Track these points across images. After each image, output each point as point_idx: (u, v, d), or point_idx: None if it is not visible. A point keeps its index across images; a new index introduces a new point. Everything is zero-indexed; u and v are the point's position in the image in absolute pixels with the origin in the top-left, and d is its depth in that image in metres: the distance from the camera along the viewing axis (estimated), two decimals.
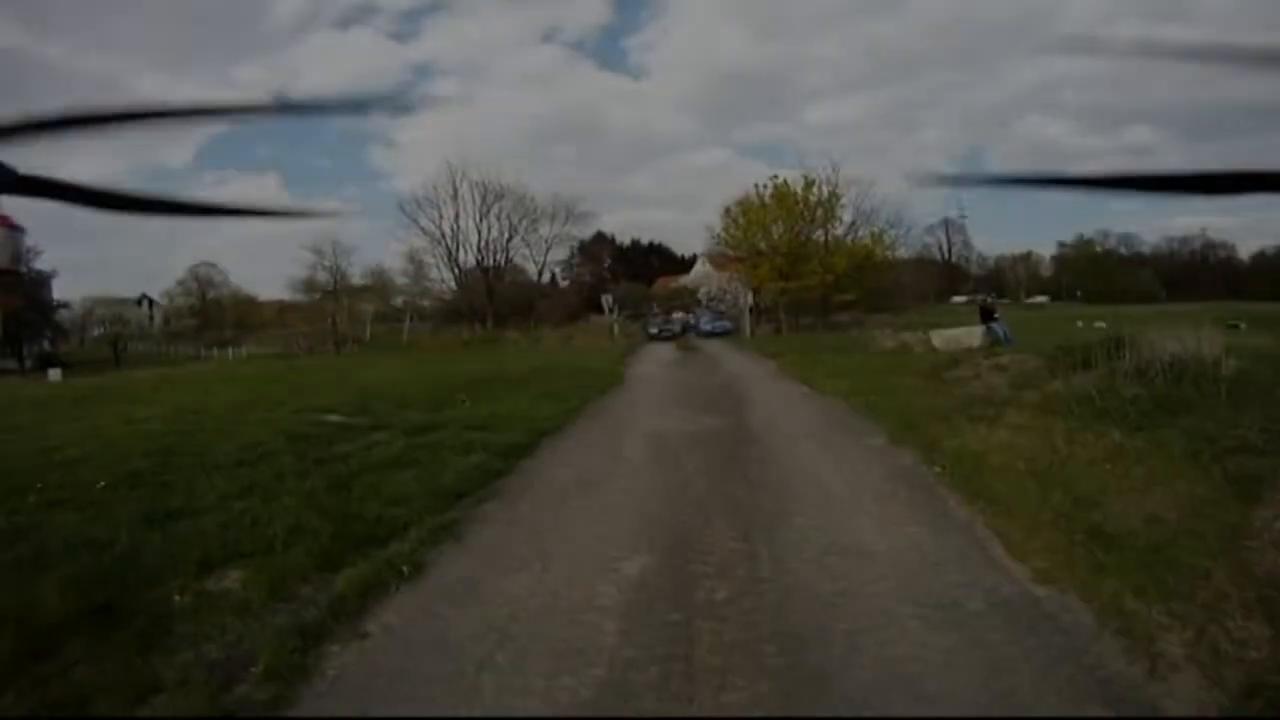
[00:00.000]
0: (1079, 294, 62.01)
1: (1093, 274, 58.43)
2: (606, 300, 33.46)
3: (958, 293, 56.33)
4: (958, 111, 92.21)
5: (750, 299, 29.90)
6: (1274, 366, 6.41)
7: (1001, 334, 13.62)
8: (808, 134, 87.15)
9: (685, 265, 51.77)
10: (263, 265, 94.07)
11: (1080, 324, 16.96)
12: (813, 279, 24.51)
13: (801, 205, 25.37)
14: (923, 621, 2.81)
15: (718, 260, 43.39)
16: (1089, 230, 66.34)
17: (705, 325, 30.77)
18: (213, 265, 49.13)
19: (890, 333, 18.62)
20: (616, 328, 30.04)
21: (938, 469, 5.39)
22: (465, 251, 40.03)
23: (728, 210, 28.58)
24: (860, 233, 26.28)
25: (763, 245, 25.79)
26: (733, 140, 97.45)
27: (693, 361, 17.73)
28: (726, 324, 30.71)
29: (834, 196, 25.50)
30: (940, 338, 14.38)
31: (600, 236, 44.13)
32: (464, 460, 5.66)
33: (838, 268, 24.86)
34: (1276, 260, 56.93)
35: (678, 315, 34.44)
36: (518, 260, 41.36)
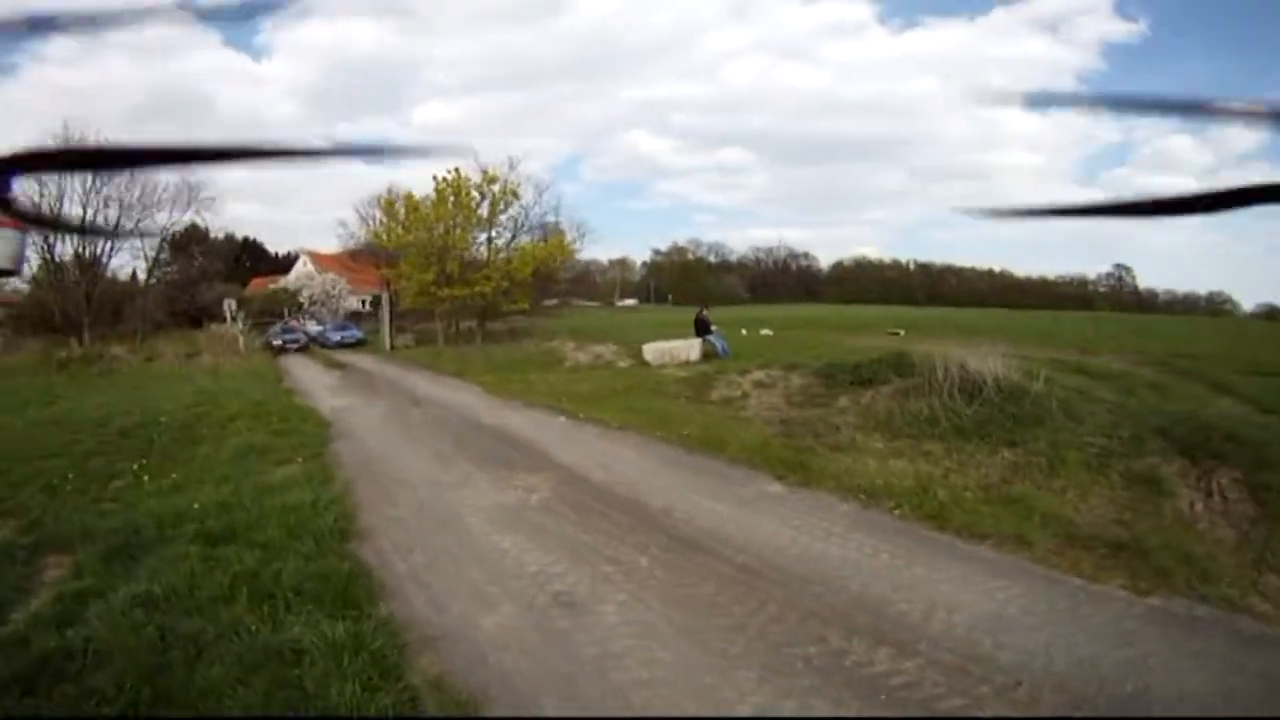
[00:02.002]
0: (669, 297, 74.14)
1: (683, 278, 71.03)
2: (229, 306, 32.69)
3: (548, 297, 64.22)
4: (564, 121, 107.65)
5: (388, 305, 29.78)
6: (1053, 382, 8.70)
7: (720, 347, 15.07)
8: (412, 132, 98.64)
9: (281, 265, 54.67)
10: None
11: (745, 332, 20.09)
12: (487, 285, 23.65)
13: (477, 203, 24.34)
14: (1207, 675, 3.62)
15: (323, 260, 46.29)
16: (681, 238, 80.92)
17: (334, 335, 31.38)
18: None
19: (575, 345, 19.13)
20: (242, 340, 28.89)
21: (895, 512, 6.03)
22: (63, 241, 33.94)
23: (390, 205, 26.03)
24: (525, 236, 26.62)
25: (428, 245, 23.99)
26: (335, 134, 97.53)
27: (374, 387, 16.85)
28: (356, 333, 31.93)
29: (509, 194, 25.10)
30: (653, 351, 16.00)
31: (194, 230, 41.79)
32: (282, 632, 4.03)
33: (521, 273, 24.45)
34: (851, 270, 79.00)
35: (303, 324, 35.30)
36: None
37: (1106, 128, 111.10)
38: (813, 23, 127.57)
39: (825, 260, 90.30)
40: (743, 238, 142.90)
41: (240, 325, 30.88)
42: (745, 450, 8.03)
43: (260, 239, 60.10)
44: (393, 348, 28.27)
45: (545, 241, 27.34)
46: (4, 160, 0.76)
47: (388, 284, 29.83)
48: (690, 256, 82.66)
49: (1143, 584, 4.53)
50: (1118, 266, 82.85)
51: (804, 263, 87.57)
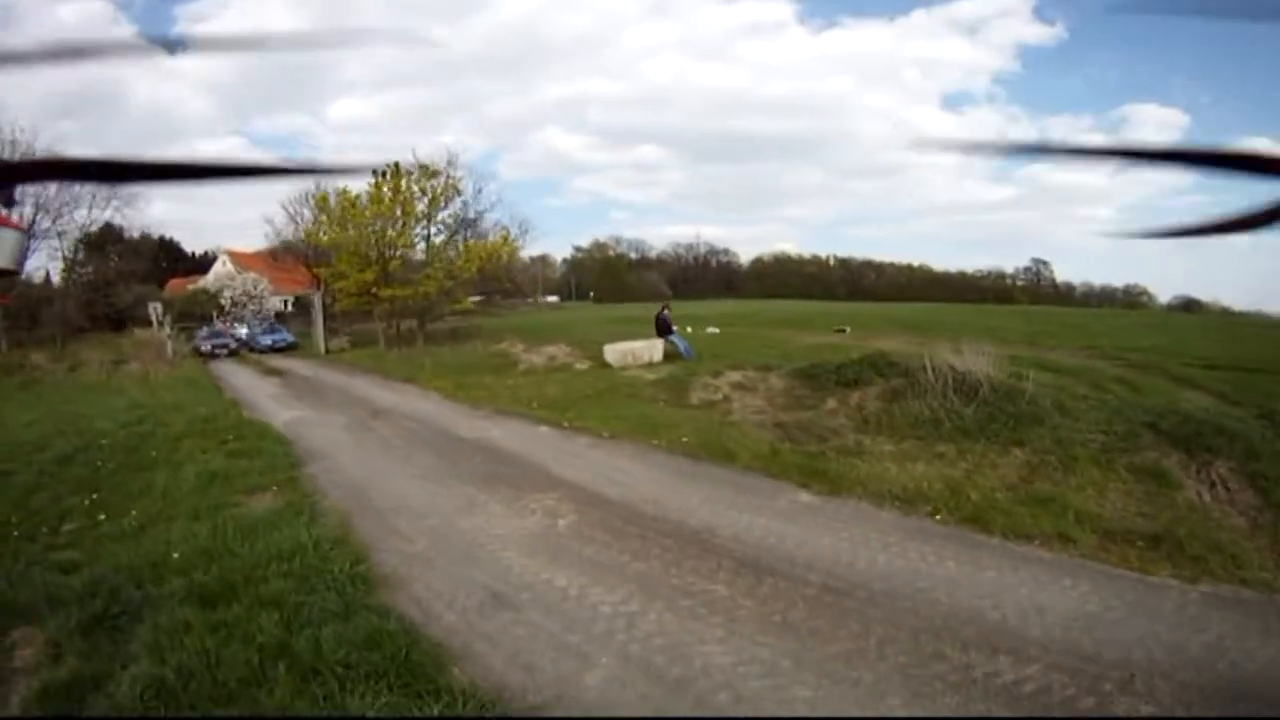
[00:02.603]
0: (592, 294, 73.80)
1: (605, 275, 70.81)
2: (155, 309, 31.03)
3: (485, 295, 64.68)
4: (481, 118, 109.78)
5: (320, 306, 29.43)
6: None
7: (683, 348, 14.96)
8: (327, 129, 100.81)
9: (199, 265, 54.03)
10: None
11: (690, 329, 20.22)
12: (430, 284, 22.76)
13: (417, 198, 23.42)
14: None
15: (244, 259, 45.94)
16: (599, 235, 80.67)
17: (264, 339, 30.50)
18: None
19: (524, 346, 18.85)
20: (170, 345, 27.19)
21: (935, 518, 6.25)
22: None
23: (324, 201, 24.69)
24: (465, 233, 26.39)
25: (367, 243, 22.97)
26: (249, 129, 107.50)
27: (322, 395, 16.21)
28: (287, 336, 31.11)
29: (451, 189, 24.27)
30: (615, 353, 16.02)
31: (109, 229, 40.17)
32: None
33: (467, 272, 23.70)
34: (771, 265, 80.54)
35: (232, 328, 34.31)
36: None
37: (1023, 127, 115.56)
38: (732, 22, 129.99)
39: (744, 256, 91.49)
40: (660, 234, 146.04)
41: (168, 330, 29.19)
42: (758, 459, 8.11)
43: (176, 238, 57.72)
44: (327, 351, 27.39)
45: (471, 239, 26.67)
46: (7, 168, 0.79)
47: (320, 284, 29.10)
48: (611, 253, 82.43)
49: (1186, 573, 5.01)
50: (1035, 260, 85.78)
51: (724, 258, 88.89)
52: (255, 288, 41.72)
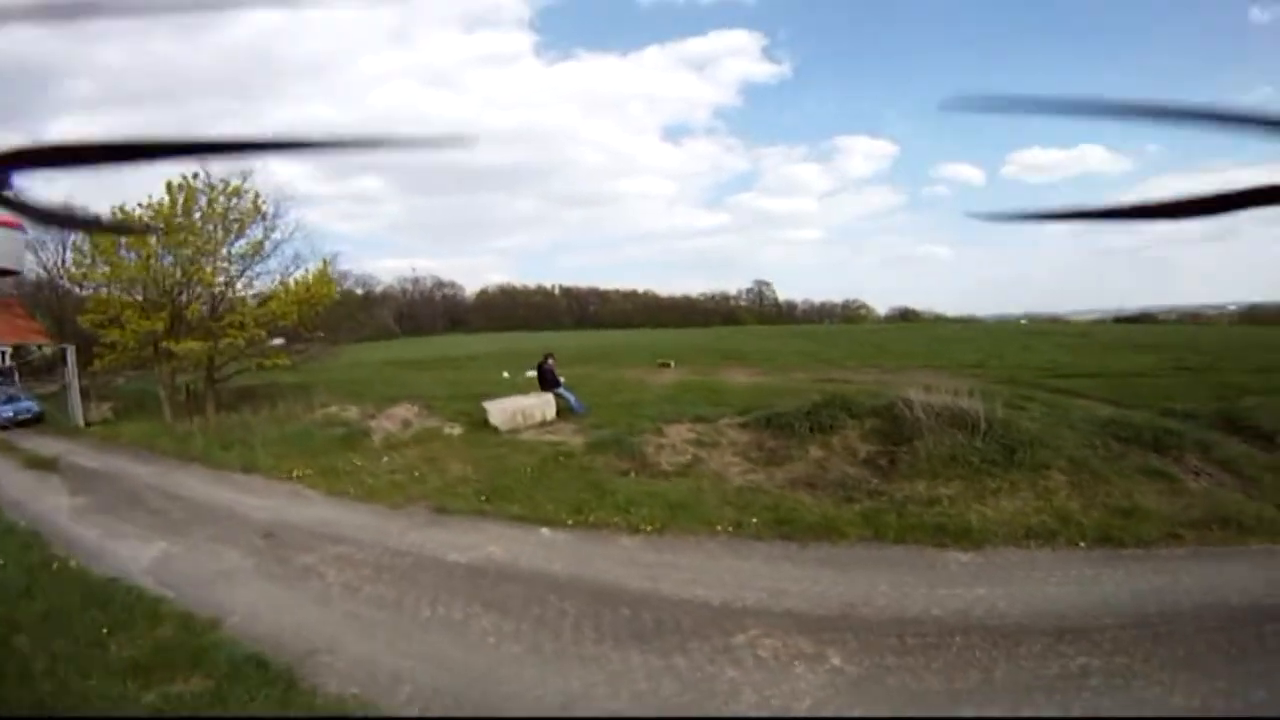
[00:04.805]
0: (319, 334, 67.54)
1: (332, 311, 64.62)
2: None
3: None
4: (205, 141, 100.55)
5: (74, 364, 22.65)
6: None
7: (574, 403, 14.14)
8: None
9: None
10: None
11: (506, 374, 19.51)
12: (239, 334, 19.37)
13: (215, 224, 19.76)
14: None
15: None
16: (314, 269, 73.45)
17: (3, 410, 23.17)
18: None
19: (361, 410, 15.65)
20: None
21: (1079, 546, 7.37)
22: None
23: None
24: (260, 268, 21.77)
25: (158, 281, 19.33)
26: None
27: (148, 505, 11.34)
28: (32, 405, 23.89)
29: (255, 210, 20.19)
30: (501, 412, 13.67)
31: None
32: None
33: (289, 318, 20.77)
34: (496, 297, 77.86)
35: None
36: None
37: (737, 157, 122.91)
38: (469, 52, 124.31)
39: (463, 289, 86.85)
40: (376, 268, 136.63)
41: None
42: (855, 527, 8.20)
43: None
44: (88, 424, 21.24)
45: (283, 276, 21.69)
46: (3, 156, 0.74)
47: (65, 333, 23.54)
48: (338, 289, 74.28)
49: (1268, 540, 6.91)
50: (757, 282, 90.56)
51: (449, 291, 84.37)
52: None
